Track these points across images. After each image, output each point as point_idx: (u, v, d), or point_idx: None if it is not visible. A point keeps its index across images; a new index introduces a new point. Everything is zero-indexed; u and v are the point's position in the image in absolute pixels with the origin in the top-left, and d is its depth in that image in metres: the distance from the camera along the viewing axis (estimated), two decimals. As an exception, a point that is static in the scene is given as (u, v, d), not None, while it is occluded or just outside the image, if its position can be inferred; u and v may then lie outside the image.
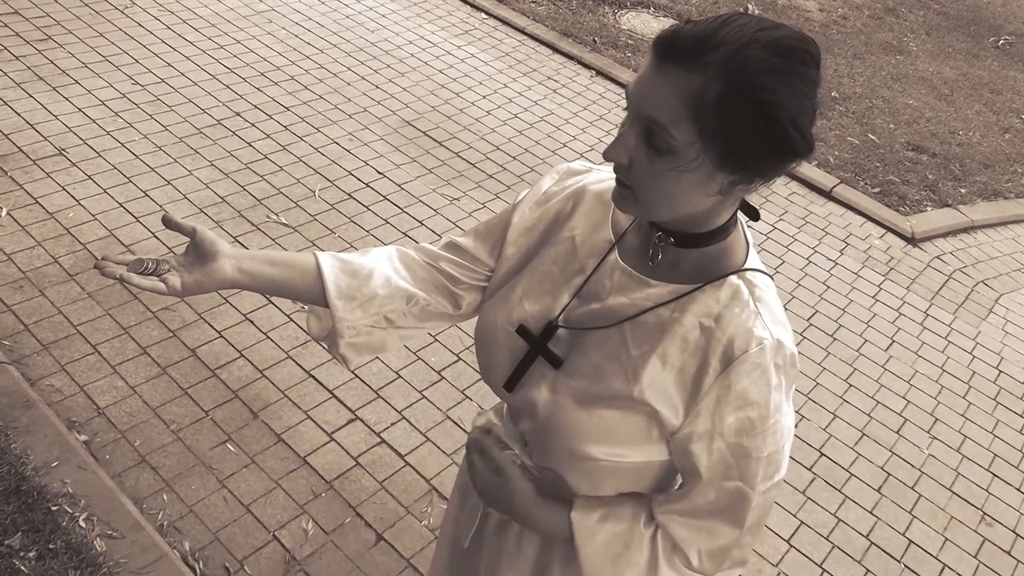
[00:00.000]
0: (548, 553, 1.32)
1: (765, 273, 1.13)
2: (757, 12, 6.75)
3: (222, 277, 1.18)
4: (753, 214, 1.16)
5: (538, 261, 1.25)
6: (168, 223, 1.18)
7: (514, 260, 1.28)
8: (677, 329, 1.09)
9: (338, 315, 1.24)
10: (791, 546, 2.85)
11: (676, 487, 1.23)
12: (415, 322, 1.32)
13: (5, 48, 4.25)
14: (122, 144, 3.83)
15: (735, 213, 1.10)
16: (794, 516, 2.95)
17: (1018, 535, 3.10)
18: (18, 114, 3.84)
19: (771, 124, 0.94)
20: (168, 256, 1.19)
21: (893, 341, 3.89)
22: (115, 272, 1.12)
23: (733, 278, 1.09)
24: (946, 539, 3.01)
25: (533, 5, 6.08)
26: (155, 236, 3.38)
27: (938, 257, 4.61)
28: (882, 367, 3.72)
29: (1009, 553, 3.02)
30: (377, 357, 3.08)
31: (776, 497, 1.15)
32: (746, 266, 1.11)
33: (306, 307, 1.34)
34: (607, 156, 1.02)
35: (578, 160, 1.18)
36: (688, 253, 1.10)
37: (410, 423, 2.91)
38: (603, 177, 1.25)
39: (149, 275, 1.14)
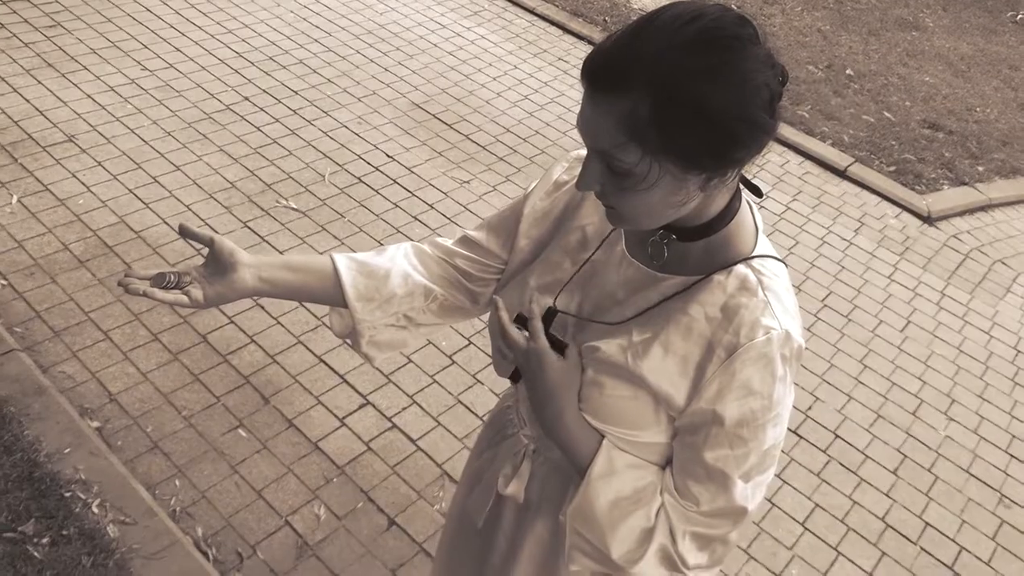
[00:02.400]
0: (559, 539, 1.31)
1: (777, 259, 1.10)
2: (770, -11, 6.66)
3: (243, 287, 1.20)
4: (755, 191, 1.13)
5: (550, 251, 1.24)
6: (185, 232, 1.19)
7: (527, 251, 1.27)
8: (681, 318, 1.07)
9: (358, 316, 1.27)
10: (806, 529, 2.83)
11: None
12: (435, 318, 1.34)
13: (14, 35, 4.24)
14: (131, 130, 3.82)
15: (735, 196, 1.08)
16: (809, 499, 2.92)
17: (1036, 517, 3.07)
18: (27, 101, 3.83)
19: (712, 126, 0.92)
20: (189, 268, 1.20)
21: (909, 322, 3.85)
22: (139, 288, 1.14)
23: (741, 267, 1.07)
24: (963, 521, 2.99)
25: (543, -15, 6.02)
26: (165, 223, 3.37)
27: (955, 236, 4.55)
28: (898, 348, 3.68)
29: (1027, 535, 3.00)
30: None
31: (762, 494, 1.14)
32: (755, 253, 1.08)
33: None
34: (579, 188, 1.03)
35: None
36: (693, 245, 1.08)
37: (421, 408, 2.90)
38: None
39: (171, 289, 1.16)
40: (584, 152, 1.26)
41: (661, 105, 0.91)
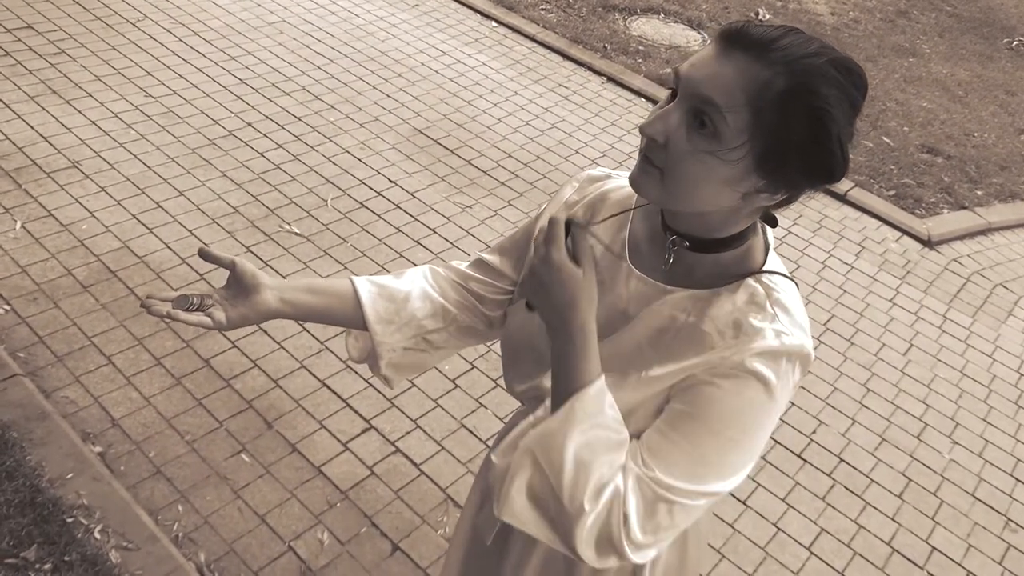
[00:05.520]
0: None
1: (787, 277, 1.10)
2: (767, 17, 6.74)
3: (266, 308, 1.21)
4: (771, 220, 1.14)
5: None
6: (206, 256, 1.19)
7: None
8: (691, 332, 1.07)
9: (377, 339, 1.28)
10: (812, 554, 2.81)
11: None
12: (452, 340, 1.36)
13: (19, 62, 4.27)
14: (135, 156, 3.84)
15: (754, 224, 1.09)
16: (814, 523, 2.91)
17: (1043, 541, 3.05)
18: (32, 127, 3.86)
19: (821, 134, 0.95)
20: (210, 291, 1.21)
21: (912, 345, 3.85)
22: (161, 310, 1.14)
23: (750, 280, 1.07)
24: (970, 545, 2.97)
25: (543, 13, 6.08)
26: (168, 248, 3.38)
27: (955, 260, 4.56)
28: (901, 371, 3.68)
29: (1034, 559, 2.97)
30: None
31: (707, 504, 1.05)
32: (765, 268, 1.09)
33: (343, 330, 1.36)
34: (645, 130, 1.00)
35: (596, 167, 1.19)
36: (702, 259, 1.09)
37: (425, 432, 2.89)
38: (622, 184, 1.25)
39: (194, 311, 1.16)
40: (595, 172, 1.28)
41: (794, 90, 0.94)
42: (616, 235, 1.20)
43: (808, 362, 1.06)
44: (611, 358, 1.13)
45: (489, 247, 1.38)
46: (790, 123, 0.95)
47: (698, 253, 1.09)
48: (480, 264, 1.36)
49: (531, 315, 1.24)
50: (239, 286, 1.20)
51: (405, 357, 1.32)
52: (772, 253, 1.12)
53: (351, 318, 1.29)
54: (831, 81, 0.95)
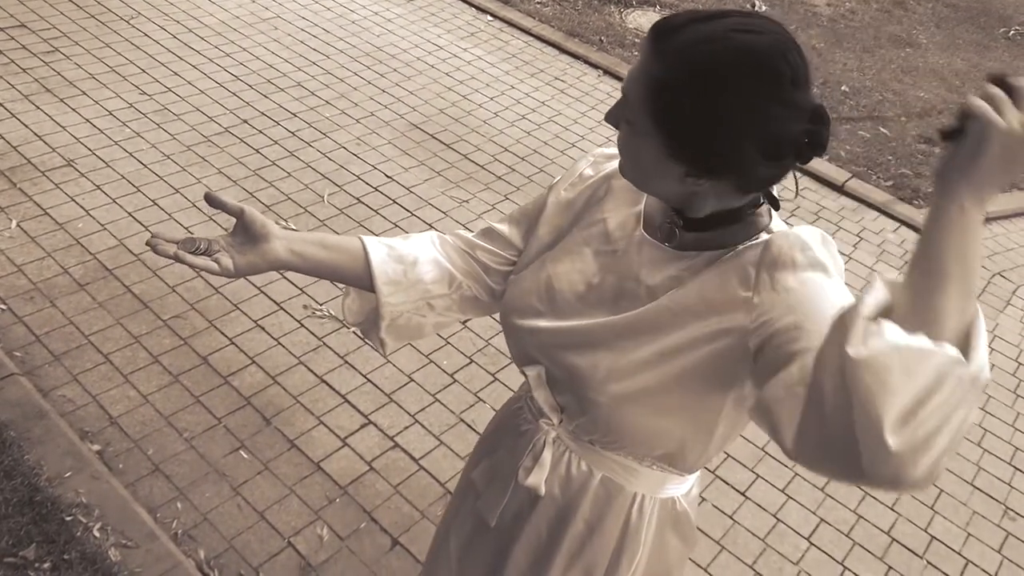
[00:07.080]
0: (561, 528, 1.31)
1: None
2: (764, 8, 6.73)
3: (274, 257, 1.20)
4: (773, 203, 1.14)
5: (569, 240, 1.25)
6: (212, 202, 1.18)
7: (546, 239, 1.29)
8: (707, 285, 1.08)
9: (383, 300, 1.28)
10: (811, 544, 2.81)
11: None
12: (455, 308, 1.36)
13: (12, 61, 4.26)
14: (130, 154, 3.83)
15: (750, 203, 1.09)
16: (814, 513, 2.91)
17: (1042, 529, 3.06)
18: (26, 126, 3.85)
19: (705, 128, 0.97)
20: (217, 237, 1.19)
21: (910, 335, 3.85)
22: (168, 250, 1.14)
23: (763, 234, 1.10)
24: (969, 534, 2.97)
25: (539, 6, 6.07)
26: (165, 244, 3.37)
27: (953, 250, 4.55)
28: (899, 361, 3.67)
29: (1034, 547, 2.98)
30: (389, 361, 3.07)
31: None
32: (773, 225, 1.11)
33: (342, 289, 1.37)
34: (606, 120, 1.10)
35: (607, 146, 1.21)
36: (705, 234, 1.11)
37: (423, 427, 2.89)
38: None
39: (200, 255, 1.15)
40: (611, 149, 1.30)
41: (676, 82, 0.97)
42: (632, 208, 1.21)
43: (828, 239, 1.06)
44: (627, 330, 1.12)
45: (500, 217, 1.38)
46: (675, 115, 0.98)
47: (691, 232, 1.11)
48: (489, 233, 1.36)
49: (537, 283, 1.22)
50: (247, 234, 1.19)
51: (404, 320, 1.32)
52: (777, 222, 1.13)
53: (358, 276, 1.28)
54: (721, 77, 0.94)
